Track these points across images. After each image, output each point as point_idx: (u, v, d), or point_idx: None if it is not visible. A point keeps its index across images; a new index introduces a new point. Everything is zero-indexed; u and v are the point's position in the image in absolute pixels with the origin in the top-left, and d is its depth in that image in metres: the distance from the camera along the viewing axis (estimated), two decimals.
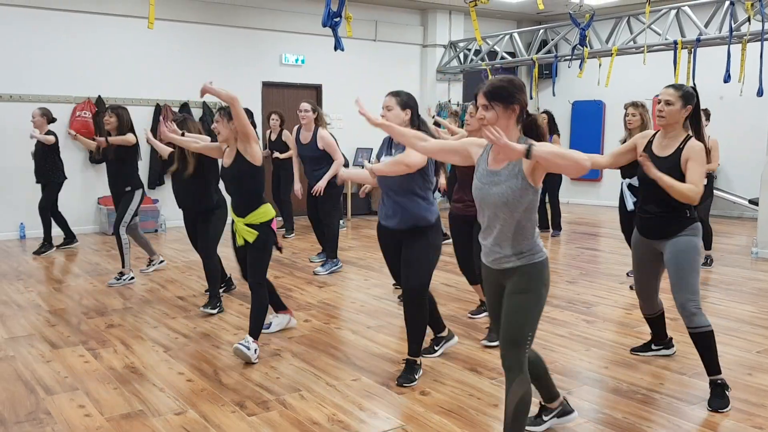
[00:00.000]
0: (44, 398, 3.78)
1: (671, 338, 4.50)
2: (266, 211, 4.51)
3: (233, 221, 4.57)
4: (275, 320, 5.00)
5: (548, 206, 9.10)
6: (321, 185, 6.71)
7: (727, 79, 8.31)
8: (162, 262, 7.22)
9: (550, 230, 9.39)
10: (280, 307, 5.03)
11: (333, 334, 5.01)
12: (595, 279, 6.77)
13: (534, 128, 2.89)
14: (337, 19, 5.78)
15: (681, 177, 3.64)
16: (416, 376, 4.02)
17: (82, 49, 9.52)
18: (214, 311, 5.48)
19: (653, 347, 4.49)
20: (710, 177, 7.35)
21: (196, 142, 5.20)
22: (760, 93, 8.12)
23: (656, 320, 4.37)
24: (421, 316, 4.04)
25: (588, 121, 13.19)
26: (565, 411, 3.37)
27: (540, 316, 2.87)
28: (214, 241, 5.58)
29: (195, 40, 10.40)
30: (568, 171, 2.61)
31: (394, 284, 6.18)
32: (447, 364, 4.30)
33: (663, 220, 3.78)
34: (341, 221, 10.13)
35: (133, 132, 6.39)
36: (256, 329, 4.41)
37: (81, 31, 9.52)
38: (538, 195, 2.81)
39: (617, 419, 3.51)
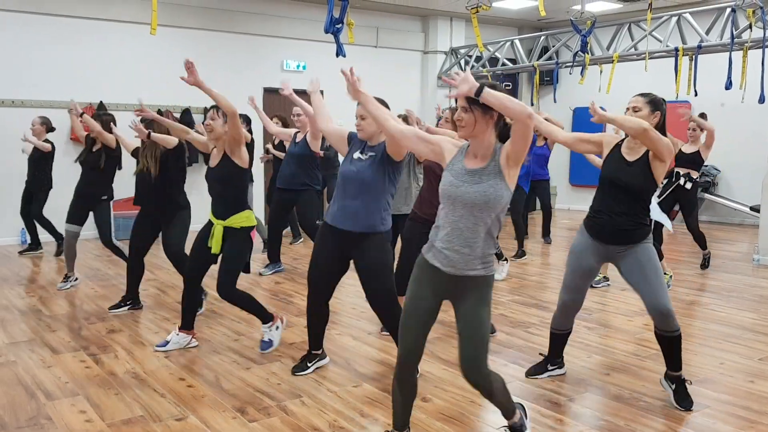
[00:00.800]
0: (45, 403, 3.78)
1: (562, 358, 4.27)
2: (248, 217, 4.53)
3: (212, 224, 4.54)
4: (174, 338, 4.77)
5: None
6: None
7: (728, 86, 8.32)
8: (77, 280, 6.69)
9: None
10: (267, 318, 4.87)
11: (334, 340, 5.00)
12: (596, 286, 6.76)
13: (504, 134, 2.87)
14: (339, 26, 5.79)
15: (646, 180, 3.67)
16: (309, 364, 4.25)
17: (84, 55, 9.54)
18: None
19: (549, 367, 4.23)
20: (698, 184, 7.36)
21: (186, 131, 5.16)
22: (761, 100, 8.12)
23: (563, 337, 4.16)
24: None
25: (589, 127, 13.09)
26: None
27: None
28: (179, 245, 5.52)
29: (197, 46, 10.41)
30: (514, 114, 2.59)
31: None
32: (448, 371, 4.29)
33: (626, 224, 3.70)
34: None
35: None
36: (262, 316, 4.68)
37: (83, 36, 9.54)
38: (510, 198, 2.81)
39: (619, 426, 3.50)
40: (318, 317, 4.24)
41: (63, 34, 9.40)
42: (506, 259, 7.22)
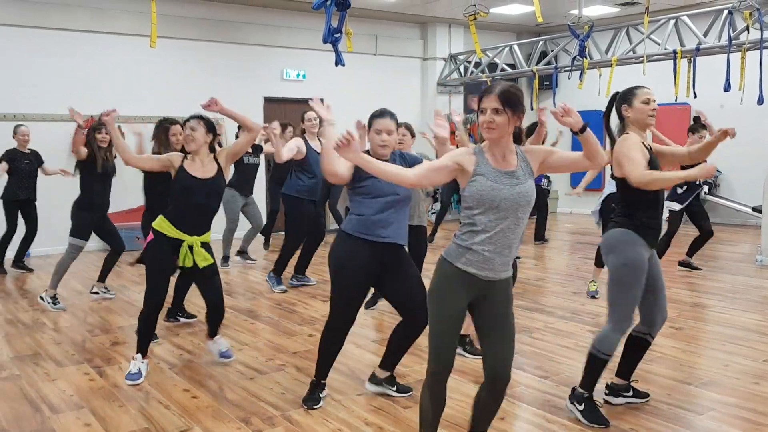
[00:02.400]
0: (50, 417, 3.78)
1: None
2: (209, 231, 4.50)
3: (180, 241, 4.32)
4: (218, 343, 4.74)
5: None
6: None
7: (727, 88, 8.32)
8: (57, 304, 6.29)
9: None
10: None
11: None
12: (600, 289, 6.74)
13: (517, 137, 2.98)
14: (337, 35, 5.80)
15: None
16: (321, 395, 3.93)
17: (84, 67, 9.58)
18: None
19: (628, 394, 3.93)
20: (693, 186, 7.36)
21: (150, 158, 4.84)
22: (760, 101, 8.12)
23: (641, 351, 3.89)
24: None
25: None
26: None
27: None
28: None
29: (197, 57, 10.46)
30: (597, 157, 2.74)
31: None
32: (452, 378, 4.26)
33: (661, 226, 3.71)
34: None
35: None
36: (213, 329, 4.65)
37: (84, 49, 9.59)
38: None
39: (624, 430, 3.50)
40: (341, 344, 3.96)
41: (64, 46, 9.44)
42: None
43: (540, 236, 9.69)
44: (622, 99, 3.65)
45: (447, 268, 2.81)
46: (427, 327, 2.92)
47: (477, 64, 12.27)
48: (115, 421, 3.71)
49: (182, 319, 5.78)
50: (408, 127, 5.68)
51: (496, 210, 2.72)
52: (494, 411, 2.99)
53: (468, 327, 4.34)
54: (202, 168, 4.37)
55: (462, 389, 4.08)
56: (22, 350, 5.04)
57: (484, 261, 2.75)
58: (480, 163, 2.76)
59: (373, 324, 5.64)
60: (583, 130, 2.74)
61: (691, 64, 8.96)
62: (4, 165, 7.56)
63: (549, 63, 11.23)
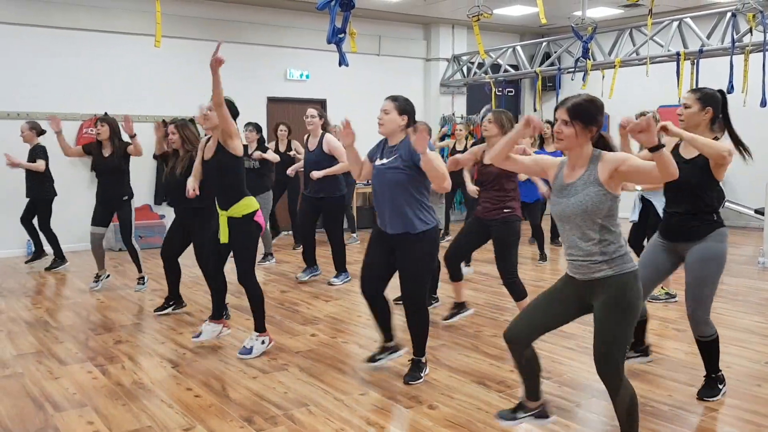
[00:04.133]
0: (53, 415, 3.79)
1: (649, 345, 4.43)
2: (249, 204, 4.67)
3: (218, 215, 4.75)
4: (207, 328, 4.98)
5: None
6: (318, 174, 6.78)
7: (730, 90, 8.32)
8: (108, 276, 7.18)
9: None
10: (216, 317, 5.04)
11: (340, 348, 5.01)
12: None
13: (603, 145, 2.97)
14: (341, 35, 5.82)
15: (704, 177, 3.68)
16: (422, 374, 4.23)
17: (88, 67, 9.61)
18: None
19: (629, 354, 4.28)
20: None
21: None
22: (763, 103, 8.13)
23: (639, 325, 4.21)
24: (420, 319, 4.20)
25: None
26: (543, 414, 3.37)
27: (634, 326, 2.94)
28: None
29: (201, 56, 10.43)
30: (661, 177, 2.70)
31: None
32: (455, 378, 4.29)
33: (690, 221, 3.73)
34: (354, 234, 10.14)
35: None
36: (259, 322, 4.78)
37: (87, 48, 9.61)
38: (617, 201, 2.87)
39: None
40: (377, 308, 4.32)
41: (68, 46, 9.46)
42: None
43: (556, 237, 9.58)
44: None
45: (564, 275, 3.10)
46: None
47: (480, 65, 12.28)
48: (118, 419, 3.72)
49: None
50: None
51: (560, 222, 2.96)
52: (617, 411, 3.05)
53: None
54: (210, 149, 4.69)
55: (464, 390, 4.09)
56: (25, 348, 5.05)
57: (572, 268, 2.99)
58: (557, 177, 3.00)
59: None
60: (656, 148, 2.65)
61: (694, 66, 8.97)
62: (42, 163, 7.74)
63: (552, 64, 11.24)
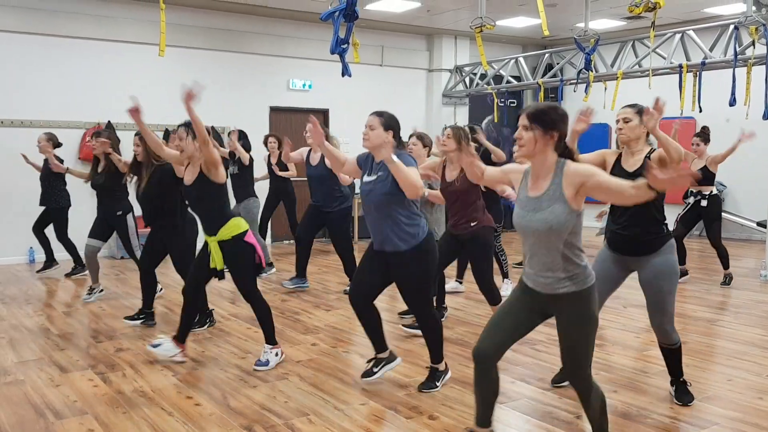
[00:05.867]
0: (53, 422, 3.79)
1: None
2: (237, 224, 4.60)
3: (207, 243, 4.68)
4: (166, 344, 4.83)
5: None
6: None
7: (732, 102, 8.34)
8: (102, 291, 7.00)
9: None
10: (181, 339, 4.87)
11: (340, 358, 5.01)
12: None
13: (568, 157, 2.92)
14: (344, 46, 5.85)
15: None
16: (438, 383, 4.25)
17: (93, 76, 9.65)
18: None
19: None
20: (717, 199, 7.36)
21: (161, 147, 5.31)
22: (765, 116, 8.14)
23: None
24: (432, 326, 4.22)
25: (594, 144, 12.96)
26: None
27: (596, 334, 2.99)
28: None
29: (204, 65, 10.52)
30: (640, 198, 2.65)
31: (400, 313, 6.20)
32: (455, 388, 4.29)
33: (640, 236, 3.75)
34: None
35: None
36: (269, 335, 4.74)
37: (92, 57, 9.66)
38: (581, 218, 2.84)
39: None
40: (366, 320, 4.31)
41: (73, 54, 9.51)
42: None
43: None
44: None
45: (520, 280, 3.07)
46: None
47: (482, 76, 12.31)
48: (119, 427, 3.72)
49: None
50: (420, 137, 5.73)
51: (525, 236, 2.91)
52: (589, 415, 3.15)
53: None
54: (191, 174, 4.62)
55: (465, 400, 4.08)
56: (26, 355, 5.06)
57: (532, 282, 2.95)
58: (521, 187, 2.96)
59: None
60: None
61: (697, 78, 8.99)
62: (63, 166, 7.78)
63: (555, 76, 11.26)
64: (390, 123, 4.01)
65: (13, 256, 9.18)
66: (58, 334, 5.64)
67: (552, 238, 2.80)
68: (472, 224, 5.14)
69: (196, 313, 4.99)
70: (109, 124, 9.62)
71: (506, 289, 6.85)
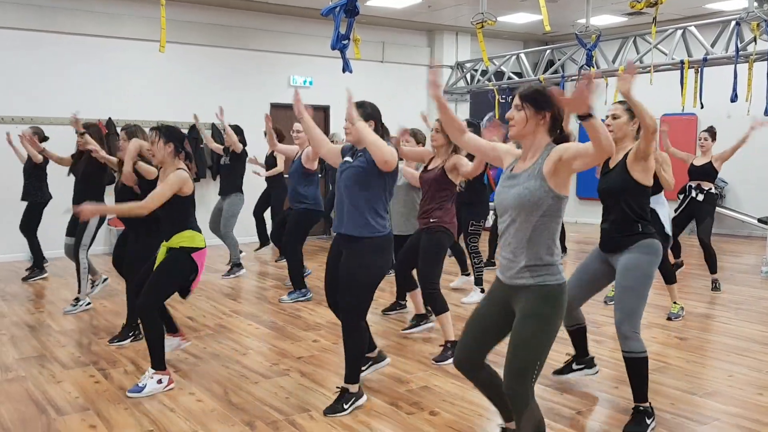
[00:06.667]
0: (55, 418, 3.80)
1: (593, 357, 4.32)
2: (192, 238, 4.25)
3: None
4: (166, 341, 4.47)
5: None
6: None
7: (734, 98, 8.33)
8: (105, 280, 6.98)
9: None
10: (172, 330, 4.75)
11: (341, 354, 4.99)
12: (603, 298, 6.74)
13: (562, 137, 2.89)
14: (345, 42, 5.84)
15: (625, 183, 3.67)
16: (345, 406, 3.84)
17: (93, 72, 9.64)
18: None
19: (574, 367, 4.26)
20: (713, 197, 7.32)
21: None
22: (767, 112, 8.14)
23: (576, 333, 4.16)
24: (357, 338, 3.90)
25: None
26: None
27: (551, 344, 2.71)
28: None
29: (205, 62, 10.52)
30: (596, 147, 2.54)
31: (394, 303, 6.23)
32: (456, 384, 4.29)
33: (617, 231, 3.70)
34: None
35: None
36: (154, 357, 4.20)
37: (93, 54, 9.65)
38: (560, 203, 2.72)
39: None
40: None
41: (72, 51, 9.50)
42: (482, 290, 6.60)
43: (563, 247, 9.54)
44: None
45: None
46: None
47: (484, 72, 12.30)
48: (120, 423, 3.72)
49: None
50: (414, 133, 5.71)
51: (501, 213, 2.85)
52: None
53: None
54: (163, 180, 4.28)
55: (466, 396, 4.09)
56: (27, 352, 5.06)
57: (501, 266, 2.88)
58: (508, 167, 2.92)
59: (377, 330, 5.65)
60: (585, 117, 2.52)
61: (699, 74, 8.98)
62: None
63: (556, 72, 11.25)
64: (371, 113, 3.96)
65: (13, 254, 9.18)
66: (59, 331, 5.65)
67: (522, 215, 2.71)
68: (431, 221, 4.96)
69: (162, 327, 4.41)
70: (109, 121, 9.62)
71: (471, 296, 6.61)
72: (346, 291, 3.84)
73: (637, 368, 3.54)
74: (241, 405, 3.98)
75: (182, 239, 4.23)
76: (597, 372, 4.30)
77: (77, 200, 6.23)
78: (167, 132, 4.28)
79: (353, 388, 3.90)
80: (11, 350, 5.10)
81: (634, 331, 3.50)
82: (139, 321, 5.02)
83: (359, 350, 3.93)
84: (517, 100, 2.82)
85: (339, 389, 3.95)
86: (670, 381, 4.35)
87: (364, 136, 3.73)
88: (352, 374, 3.90)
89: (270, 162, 8.52)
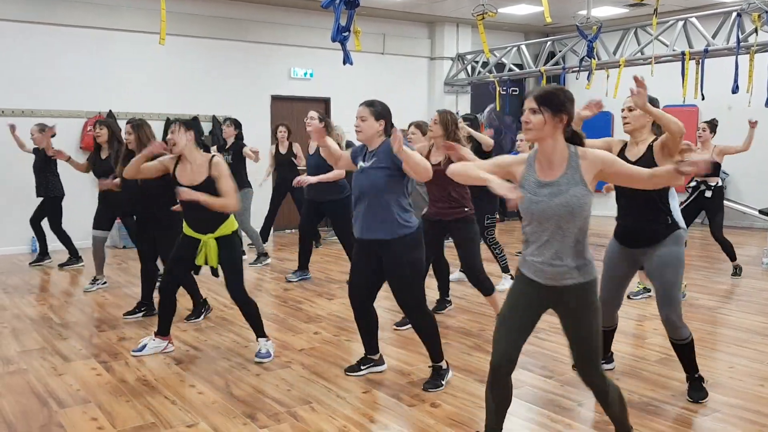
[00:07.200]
0: (57, 411, 3.81)
1: (612, 353, 4.42)
2: (232, 221, 4.60)
3: (193, 241, 4.54)
4: (151, 343, 4.82)
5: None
6: (307, 180, 6.51)
7: (735, 89, 8.31)
8: (105, 283, 6.99)
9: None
10: (163, 332, 4.86)
11: (343, 346, 5.02)
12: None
13: (578, 142, 2.87)
14: (346, 34, 5.82)
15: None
16: (442, 381, 4.12)
17: (93, 65, 9.62)
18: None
19: None
20: (721, 192, 7.33)
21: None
22: (767, 103, 8.12)
23: (608, 335, 4.21)
24: (427, 325, 4.10)
25: (596, 132, 13.02)
26: None
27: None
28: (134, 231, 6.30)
29: (205, 54, 10.49)
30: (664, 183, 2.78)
31: None
32: (458, 376, 4.30)
33: (647, 226, 3.73)
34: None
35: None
36: (259, 329, 4.70)
37: (92, 46, 9.62)
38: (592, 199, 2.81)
39: None
40: (364, 321, 4.31)
41: (72, 43, 9.47)
42: (511, 275, 6.79)
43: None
44: None
45: (517, 272, 2.99)
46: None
47: (485, 64, 12.26)
48: (122, 415, 3.73)
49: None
50: (419, 126, 5.69)
51: (537, 222, 2.81)
52: (610, 412, 3.09)
53: None
54: (190, 174, 4.47)
55: (467, 388, 4.09)
56: (29, 345, 5.07)
57: (536, 271, 2.86)
58: (526, 173, 2.86)
59: (381, 323, 5.65)
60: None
61: (700, 65, 8.95)
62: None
63: (557, 63, 11.23)
64: (381, 112, 3.98)
65: (15, 246, 9.19)
66: (61, 324, 5.65)
67: (571, 223, 2.75)
68: (465, 209, 5.01)
69: (174, 307, 4.81)
70: (110, 114, 9.61)
71: (503, 284, 6.62)
72: (399, 292, 4.05)
73: (689, 351, 3.86)
74: (243, 397, 3.99)
75: (230, 225, 4.54)
76: (614, 368, 4.39)
77: (105, 194, 6.54)
78: (186, 123, 4.53)
79: (444, 364, 4.17)
80: (13, 343, 5.11)
81: (681, 320, 3.77)
82: (150, 300, 5.82)
83: (434, 331, 4.11)
84: (532, 103, 2.75)
85: (431, 367, 4.17)
86: (671, 372, 4.35)
87: (412, 162, 3.71)
88: (437, 354, 4.14)
89: (286, 161, 8.51)
